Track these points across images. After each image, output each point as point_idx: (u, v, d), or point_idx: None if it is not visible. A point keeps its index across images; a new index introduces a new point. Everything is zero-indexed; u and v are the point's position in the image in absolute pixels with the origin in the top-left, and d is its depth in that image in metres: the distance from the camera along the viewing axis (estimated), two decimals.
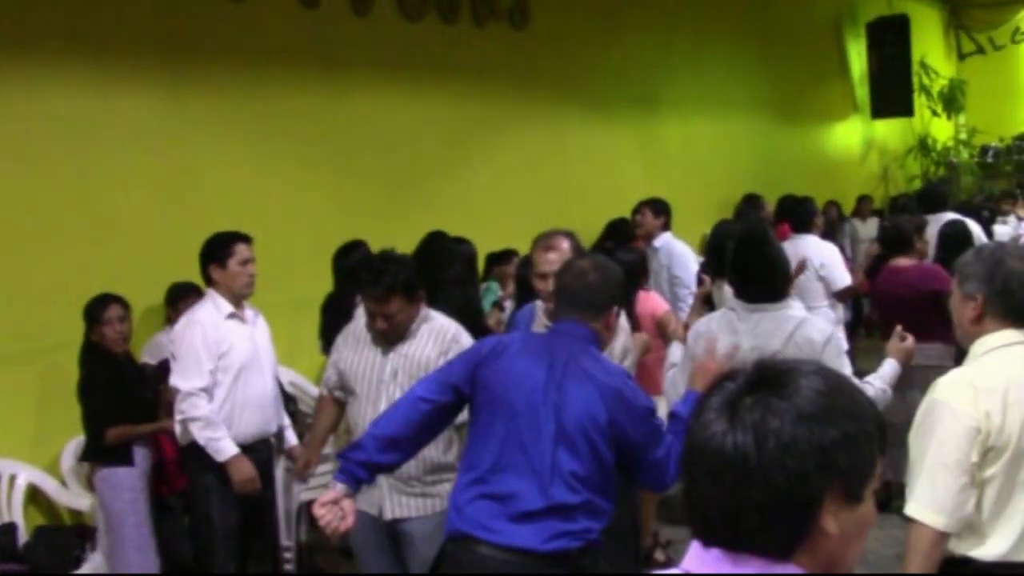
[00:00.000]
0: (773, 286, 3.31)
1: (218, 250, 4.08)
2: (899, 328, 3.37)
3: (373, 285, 3.30)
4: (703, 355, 3.21)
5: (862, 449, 1.17)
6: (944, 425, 2.29)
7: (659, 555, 5.02)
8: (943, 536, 2.28)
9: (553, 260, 3.43)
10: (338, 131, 6.29)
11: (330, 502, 2.62)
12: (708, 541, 1.20)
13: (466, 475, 2.71)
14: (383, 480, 3.26)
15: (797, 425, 1.14)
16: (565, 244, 3.52)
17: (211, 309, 4.04)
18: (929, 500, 2.27)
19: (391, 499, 3.32)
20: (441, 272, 5.68)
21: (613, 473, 2.68)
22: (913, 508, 2.29)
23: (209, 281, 4.13)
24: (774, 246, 3.41)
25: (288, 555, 4.86)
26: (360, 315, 3.55)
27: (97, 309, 4.33)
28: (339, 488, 2.65)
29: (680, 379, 3.45)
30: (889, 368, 3.30)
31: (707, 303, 5.59)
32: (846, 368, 3.18)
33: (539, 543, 2.58)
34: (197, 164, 5.48)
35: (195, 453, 3.97)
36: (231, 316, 4.05)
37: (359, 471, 2.69)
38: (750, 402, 1.17)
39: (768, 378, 1.19)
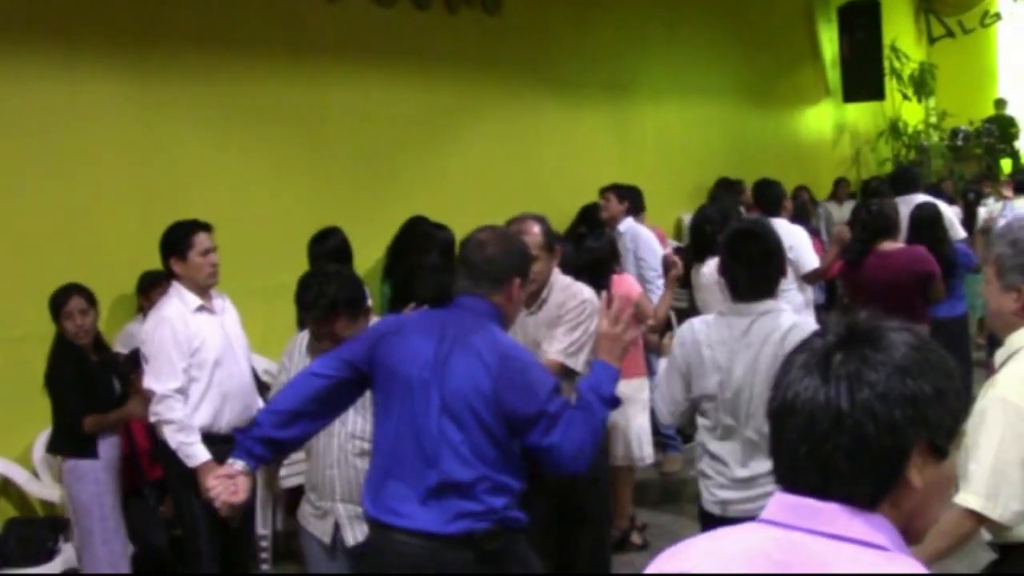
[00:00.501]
0: (766, 280, 3.13)
1: (177, 242, 3.93)
2: None
3: (313, 307, 3.16)
4: (683, 352, 3.16)
5: (951, 405, 1.20)
6: (1010, 425, 2.36)
7: (636, 538, 5.05)
8: (982, 524, 2.39)
9: None
10: (311, 117, 6.24)
11: (224, 476, 2.64)
12: (795, 489, 1.21)
13: (374, 458, 2.71)
14: (340, 508, 3.19)
15: (892, 376, 1.17)
16: (536, 229, 3.48)
17: (178, 304, 3.91)
18: (991, 494, 2.35)
19: (351, 527, 3.19)
20: (418, 258, 5.68)
21: (512, 449, 2.63)
22: (973, 500, 2.35)
23: (172, 274, 4.00)
24: (771, 238, 3.21)
25: (264, 543, 4.84)
26: (304, 334, 3.43)
27: (58, 301, 4.23)
28: (236, 464, 2.65)
29: (663, 381, 3.32)
30: None
31: (684, 285, 5.63)
32: None
33: (441, 525, 2.55)
34: (168, 151, 5.42)
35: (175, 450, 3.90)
36: (199, 309, 3.93)
37: (256, 447, 2.68)
38: (842, 357, 1.19)
39: (860, 333, 1.21)
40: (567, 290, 3.56)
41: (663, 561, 1.27)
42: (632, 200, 6.84)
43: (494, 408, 2.56)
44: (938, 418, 1.18)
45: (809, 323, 3.25)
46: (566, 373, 3.39)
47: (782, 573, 1.15)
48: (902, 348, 1.19)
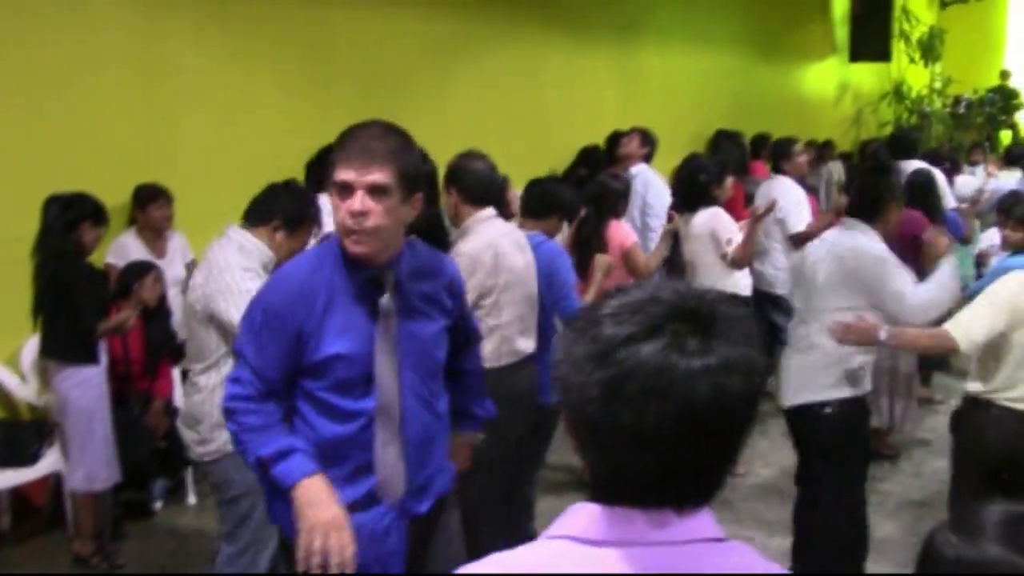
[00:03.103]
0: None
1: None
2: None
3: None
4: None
5: None
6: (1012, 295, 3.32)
7: None
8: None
9: None
10: (315, 40, 6.17)
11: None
12: (633, 497, 1.03)
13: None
14: None
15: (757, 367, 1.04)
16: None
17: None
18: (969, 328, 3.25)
19: None
20: None
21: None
22: (951, 325, 3.27)
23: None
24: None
25: None
26: None
27: (104, 216, 4.28)
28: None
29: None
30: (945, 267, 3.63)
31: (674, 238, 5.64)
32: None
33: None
34: (172, 69, 5.36)
35: None
36: None
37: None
38: (700, 338, 1.01)
39: (701, 312, 1.04)
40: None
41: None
42: (652, 148, 6.85)
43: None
44: None
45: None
46: None
47: None
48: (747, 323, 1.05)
